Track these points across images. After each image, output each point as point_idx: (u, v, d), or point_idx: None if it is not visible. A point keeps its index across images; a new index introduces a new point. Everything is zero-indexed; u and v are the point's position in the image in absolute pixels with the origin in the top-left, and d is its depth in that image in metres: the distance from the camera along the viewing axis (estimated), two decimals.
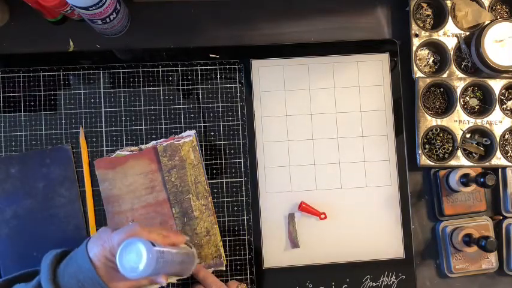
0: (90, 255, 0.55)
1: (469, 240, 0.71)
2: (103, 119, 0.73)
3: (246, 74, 0.76)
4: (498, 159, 0.75)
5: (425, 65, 0.78)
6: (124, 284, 0.56)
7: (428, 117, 0.76)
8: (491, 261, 0.75)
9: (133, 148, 0.72)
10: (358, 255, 0.74)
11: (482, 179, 0.69)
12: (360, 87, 0.77)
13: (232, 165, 0.74)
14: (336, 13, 0.78)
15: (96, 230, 0.71)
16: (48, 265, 0.55)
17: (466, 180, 0.72)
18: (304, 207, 0.73)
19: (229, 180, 0.74)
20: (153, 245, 0.52)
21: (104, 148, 0.73)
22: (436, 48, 0.78)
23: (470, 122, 0.76)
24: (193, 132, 0.73)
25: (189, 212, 0.72)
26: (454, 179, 0.73)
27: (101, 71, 0.74)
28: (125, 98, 0.74)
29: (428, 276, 0.76)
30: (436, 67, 0.78)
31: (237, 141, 0.75)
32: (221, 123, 0.75)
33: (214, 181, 0.74)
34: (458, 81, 0.76)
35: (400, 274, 0.74)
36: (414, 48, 0.76)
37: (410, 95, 0.76)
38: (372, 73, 0.77)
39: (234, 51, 0.76)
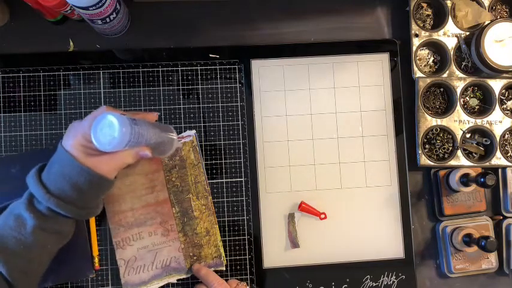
0: (67, 149, 0.56)
1: (469, 240, 0.71)
2: None
3: (246, 74, 0.76)
4: (498, 159, 0.75)
5: (425, 65, 0.78)
6: (108, 163, 0.57)
7: (428, 117, 0.76)
8: (491, 261, 0.75)
9: None
10: (358, 255, 0.74)
11: (482, 179, 0.69)
12: (360, 87, 0.77)
13: (232, 165, 0.74)
14: (336, 13, 0.78)
15: (96, 230, 0.71)
16: (33, 176, 0.56)
17: (466, 180, 0.72)
18: (304, 207, 0.73)
19: (229, 180, 0.74)
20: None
21: None
22: (436, 48, 0.78)
23: (470, 122, 0.76)
24: (193, 132, 0.73)
25: (189, 212, 0.72)
26: (454, 179, 0.73)
27: (101, 71, 0.74)
28: (124, 98, 0.74)
29: (428, 276, 0.76)
30: (436, 67, 0.78)
31: (237, 141, 0.75)
32: (221, 123, 0.75)
33: (214, 181, 0.74)
34: (458, 81, 0.76)
35: (400, 274, 0.74)
36: (414, 48, 0.76)
37: (410, 95, 0.77)
38: (372, 73, 0.77)
39: (234, 51, 0.76)
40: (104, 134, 0.52)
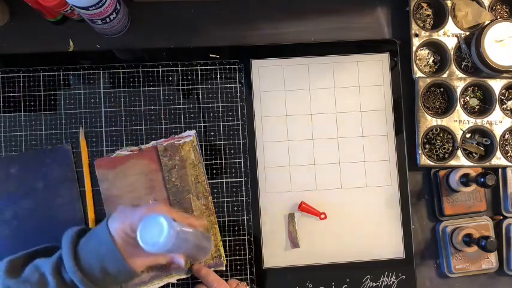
0: (110, 230, 0.55)
1: (469, 240, 0.71)
2: (103, 119, 0.73)
3: (246, 74, 0.76)
4: (498, 159, 0.75)
5: (425, 65, 0.78)
6: (142, 260, 0.57)
7: (428, 117, 0.76)
8: (491, 261, 0.75)
9: (133, 148, 0.72)
10: (358, 255, 0.74)
11: (482, 179, 0.69)
12: (360, 87, 0.77)
13: (232, 165, 0.74)
14: (336, 13, 0.78)
15: None
16: (69, 241, 0.56)
17: (466, 180, 0.72)
18: (304, 207, 0.73)
19: (229, 180, 0.74)
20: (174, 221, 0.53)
21: (104, 148, 0.73)
22: (436, 48, 0.78)
23: (470, 122, 0.76)
24: (193, 132, 0.73)
25: (189, 212, 0.72)
26: (454, 179, 0.73)
27: (101, 71, 0.74)
28: (124, 98, 0.74)
29: (428, 276, 0.76)
30: (436, 67, 0.78)
31: (237, 141, 0.75)
32: (221, 123, 0.75)
33: (214, 181, 0.74)
34: (458, 81, 0.76)
35: (400, 274, 0.74)
36: (414, 48, 0.76)
37: (410, 95, 0.77)
38: (371, 73, 0.77)
39: (234, 51, 0.76)
40: (150, 233, 0.52)
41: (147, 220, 0.52)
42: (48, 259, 0.57)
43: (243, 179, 0.74)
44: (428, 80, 0.76)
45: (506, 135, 0.77)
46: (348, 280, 0.73)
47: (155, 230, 0.51)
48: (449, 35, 0.77)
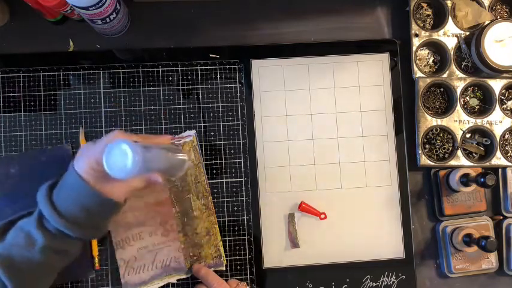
0: (78, 172, 0.56)
1: (469, 240, 0.71)
2: (103, 119, 0.73)
3: (246, 74, 0.76)
4: (498, 159, 0.75)
5: (425, 65, 0.78)
6: (119, 187, 0.57)
7: (428, 117, 0.76)
8: (491, 261, 0.75)
9: None
10: (358, 255, 0.74)
11: (482, 179, 0.69)
12: (360, 87, 0.77)
13: (232, 165, 0.74)
14: (336, 13, 0.78)
15: None
16: (44, 195, 0.56)
17: (466, 180, 0.72)
18: (304, 207, 0.73)
19: (229, 180, 0.74)
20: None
21: None
22: (436, 48, 0.78)
23: (470, 122, 0.76)
24: (193, 132, 0.73)
25: (189, 212, 0.72)
26: (454, 179, 0.73)
27: (101, 71, 0.74)
28: (124, 98, 0.74)
29: (428, 276, 0.76)
30: (436, 67, 0.78)
31: (237, 141, 0.75)
32: (221, 123, 0.75)
33: (214, 181, 0.74)
34: (458, 81, 0.76)
35: (400, 274, 0.74)
36: (414, 48, 0.76)
37: (410, 95, 0.76)
38: (371, 73, 0.77)
39: (234, 51, 0.76)
40: (117, 161, 0.52)
41: (109, 150, 0.52)
42: (29, 218, 0.57)
43: (243, 179, 0.74)
44: (428, 80, 0.76)
45: (506, 135, 0.77)
46: (348, 280, 0.73)
47: (120, 157, 0.51)
48: (449, 35, 0.77)
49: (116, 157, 0.52)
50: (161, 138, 0.63)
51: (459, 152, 0.75)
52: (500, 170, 0.76)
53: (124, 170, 0.51)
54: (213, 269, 0.71)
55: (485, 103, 0.78)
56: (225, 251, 0.73)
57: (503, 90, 0.77)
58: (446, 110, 0.78)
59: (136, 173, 0.52)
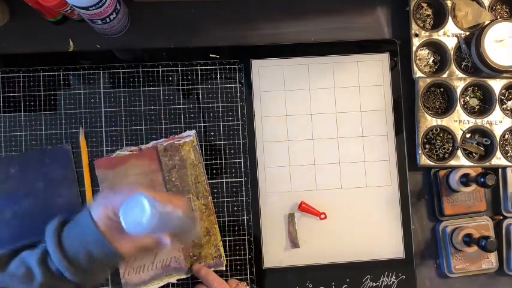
0: (93, 216, 0.55)
1: (469, 240, 0.71)
2: (103, 119, 0.73)
3: (246, 74, 0.76)
4: (498, 159, 0.75)
5: (425, 65, 0.78)
6: (128, 243, 0.57)
7: (428, 117, 0.76)
8: (491, 261, 0.75)
9: (133, 148, 0.72)
10: (358, 255, 0.74)
11: (482, 179, 0.69)
12: (360, 87, 0.77)
13: (232, 165, 0.74)
14: (336, 13, 0.78)
15: None
16: (53, 231, 0.56)
17: (466, 180, 0.72)
18: (304, 207, 0.73)
19: (229, 180, 0.74)
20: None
21: (104, 148, 0.73)
22: (436, 48, 0.78)
23: (470, 122, 0.76)
24: (193, 132, 0.73)
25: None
26: (454, 179, 0.73)
27: (101, 71, 0.74)
28: (124, 98, 0.74)
29: (428, 276, 0.76)
30: (436, 67, 0.78)
31: (237, 141, 0.75)
32: (221, 123, 0.75)
33: (214, 181, 0.74)
34: (458, 81, 0.76)
35: (400, 274, 0.74)
36: (414, 48, 0.76)
37: (410, 95, 0.76)
38: (371, 73, 0.77)
39: (234, 51, 0.76)
40: (133, 215, 0.51)
41: (129, 202, 0.52)
42: (34, 251, 0.56)
43: (243, 179, 0.74)
44: (428, 80, 0.76)
45: (506, 135, 0.77)
46: (348, 280, 0.73)
47: (137, 211, 0.51)
48: (449, 35, 0.77)
49: (133, 211, 0.51)
50: (180, 200, 0.62)
51: (459, 152, 0.75)
52: (500, 170, 0.76)
53: (139, 225, 0.51)
54: (213, 269, 0.71)
55: (485, 103, 0.78)
56: (225, 251, 0.73)
57: (503, 90, 0.77)
58: (446, 110, 0.78)
59: (149, 230, 0.51)
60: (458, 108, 0.76)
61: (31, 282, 0.55)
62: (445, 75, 0.77)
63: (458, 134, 0.76)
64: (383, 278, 0.74)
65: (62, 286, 0.57)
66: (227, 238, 0.73)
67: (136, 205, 0.51)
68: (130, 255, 0.58)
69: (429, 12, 0.79)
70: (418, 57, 0.77)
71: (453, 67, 0.76)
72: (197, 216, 0.65)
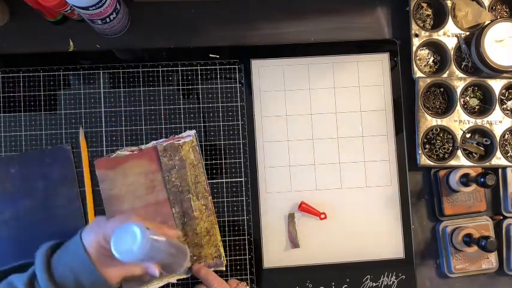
0: (84, 242, 0.55)
1: (469, 240, 0.71)
2: (103, 119, 0.73)
3: (246, 74, 0.76)
4: (498, 159, 0.75)
5: (425, 65, 0.78)
6: (117, 271, 0.57)
7: (429, 117, 0.76)
8: (491, 261, 0.75)
9: (133, 148, 0.72)
10: (358, 255, 0.74)
11: (482, 179, 0.69)
12: (360, 87, 0.77)
13: (232, 165, 0.74)
14: (336, 13, 0.78)
15: None
16: (43, 255, 0.56)
17: (466, 180, 0.72)
18: (304, 207, 0.73)
19: (229, 180, 0.74)
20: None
21: (104, 148, 0.73)
22: (436, 48, 0.78)
23: (470, 122, 0.76)
24: (193, 132, 0.73)
25: (189, 212, 0.72)
26: (454, 179, 0.73)
27: (101, 71, 0.74)
28: (124, 98, 0.74)
29: (428, 276, 0.76)
30: (436, 67, 0.78)
31: (237, 141, 0.75)
32: (221, 123, 0.75)
33: (214, 181, 0.74)
34: (458, 81, 0.76)
35: (400, 274, 0.74)
36: (414, 48, 0.76)
37: (410, 95, 0.76)
38: (371, 73, 0.77)
39: (234, 51, 0.76)
40: (124, 242, 0.52)
41: (120, 229, 0.52)
42: (22, 274, 0.56)
43: (243, 179, 0.74)
44: (428, 80, 0.76)
45: (506, 135, 0.77)
46: (348, 280, 0.73)
47: (128, 239, 0.51)
48: (449, 35, 0.77)
49: (125, 238, 0.51)
50: (170, 231, 0.62)
51: (459, 152, 0.75)
52: (500, 170, 0.76)
53: (129, 253, 0.51)
54: (213, 269, 0.71)
55: (485, 103, 0.78)
56: (225, 251, 0.73)
57: (503, 90, 0.77)
58: (446, 110, 0.78)
59: (139, 259, 0.52)
60: (458, 108, 0.76)
61: None
62: (445, 75, 0.77)
63: (458, 134, 0.76)
64: (383, 278, 0.74)
65: None
66: (227, 238, 0.73)
67: (128, 233, 0.51)
68: (118, 283, 0.58)
69: (429, 12, 0.79)
70: (418, 57, 0.77)
71: (453, 67, 0.76)
72: (187, 249, 0.65)
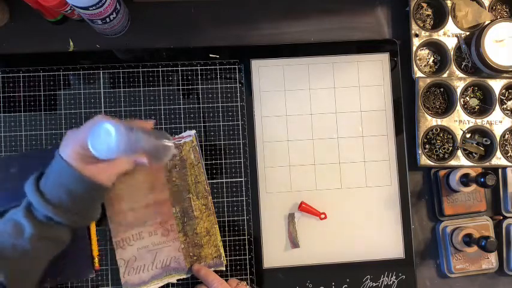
0: (64, 158, 0.56)
1: (469, 240, 0.71)
2: None
3: (246, 74, 0.76)
4: (498, 159, 0.75)
5: (425, 65, 0.78)
6: (106, 171, 0.58)
7: (429, 117, 0.76)
8: (491, 261, 0.75)
9: None
10: (358, 255, 0.74)
11: (482, 179, 0.69)
12: (360, 87, 0.77)
13: (232, 165, 0.74)
14: (336, 13, 0.78)
15: (96, 230, 0.71)
16: (31, 184, 0.57)
17: (466, 180, 0.72)
18: (304, 207, 0.73)
19: (229, 180, 0.74)
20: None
21: None
22: (436, 48, 0.78)
23: (470, 122, 0.76)
24: (193, 132, 0.73)
25: (189, 212, 0.72)
26: (454, 179, 0.73)
27: (101, 71, 0.74)
28: (124, 98, 0.74)
29: (428, 276, 0.76)
30: (436, 67, 0.78)
31: (237, 141, 0.75)
32: (221, 123, 0.75)
33: (214, 181, 0.74)
34: (458, 81, 0.76)
35: (400, 274, 0.74)
36: (414, 48, 0.76)
37: (410, 95, 0.77)
38: (371, 73, 0.77)
39: (234, 51, 0.76)
40: (101, 142, 0.53)
41: (94, 131, 0.53)
42: (17, 208, 0.58)
43: (243, 179, 0.74)
44: (428, 80, 0.76)
45: (506, 135, 0.77)
46: (348, 280, 0.73)
47: (104, 137, 0.52)
48: (449, 35, 0.77)
49: (101, 137, 0.53)
50: (145, 123, 0.64)
51: (459, 152, 0.75)
52: (500, 170, 0.76)
53: (109, 150, 0.52)
54: (213, 269, 0.71)
55: (485, 103, 0.78)
56: (225, 251, 0.73)
57: (503, 90, 0.77)
58: (446, 110, 0.78)
59: (121, 152, 0.53)
60: (458, 108, 0.76)
61: (21, 235, 0.55)
62: (445, 75, 0.77)
63: (458, 134, 0.76)
64: (383, 278, 0.74)
65: (57, 233, 0.58)
66: (227, 238, 0.73)
67: (103, 131, 0.53)
68: (112, 182, 0.59)
69: (429, 12, 0.79)
70: (418, 57, 0.78)
71: (453, 67, 0.76)
72: (169, 135, 0.64)
